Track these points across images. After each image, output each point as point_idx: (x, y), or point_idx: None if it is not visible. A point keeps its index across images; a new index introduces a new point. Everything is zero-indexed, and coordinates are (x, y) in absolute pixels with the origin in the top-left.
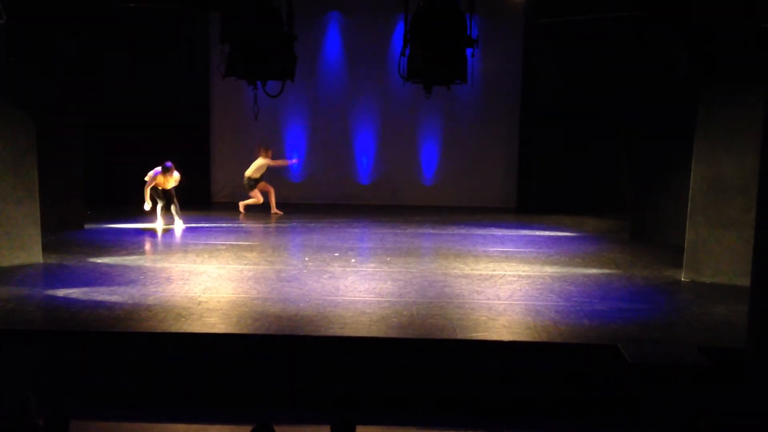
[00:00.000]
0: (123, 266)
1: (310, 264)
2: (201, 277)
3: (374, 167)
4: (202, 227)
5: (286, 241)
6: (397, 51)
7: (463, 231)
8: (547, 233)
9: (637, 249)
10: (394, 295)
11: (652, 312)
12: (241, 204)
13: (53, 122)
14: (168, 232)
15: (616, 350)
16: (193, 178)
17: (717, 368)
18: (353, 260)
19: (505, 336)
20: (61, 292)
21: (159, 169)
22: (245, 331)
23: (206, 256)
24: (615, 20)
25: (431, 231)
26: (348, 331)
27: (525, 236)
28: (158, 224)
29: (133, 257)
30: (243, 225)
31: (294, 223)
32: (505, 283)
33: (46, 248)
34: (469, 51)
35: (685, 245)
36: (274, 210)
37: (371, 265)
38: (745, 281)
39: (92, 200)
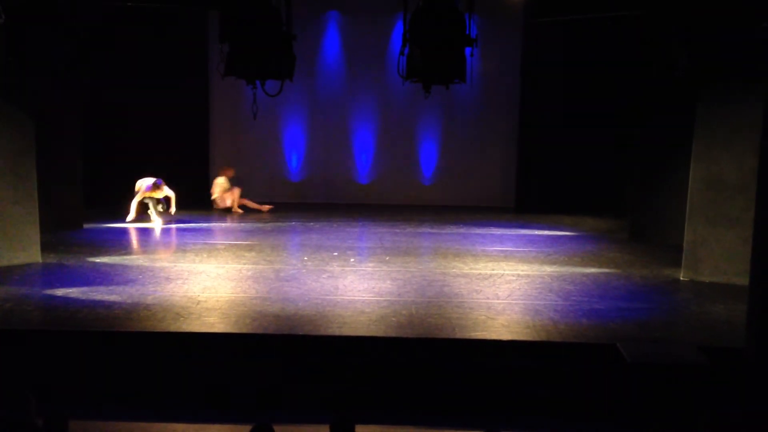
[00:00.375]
0: (122, 266)
1: (309, 263)
2: (200, 276)
3: (373, 167)
4: (201, 227)
5: (285, 241)
6: (396, 50)
7: (462, 230)
8: (546, 233)
9: (636, 248)
10: (393, 295)
11: (651, 311)
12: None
13: (52, 122)
14: (165, 230)
15: (615, 349)
16: (192, 177)
17: (716, 367)
18: (352, 260)
19: (504, 335)
20: (59, 292)
21: (150, 184)
22: (244, 330)
23: (205, 255)
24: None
25: (430, 230)
26: (347, 331)
27: (524, 235)
28: (156, 223)
29: (132, 257)
30: (242, 225)
31: (293, 223)
32: (504, 283)
33: (45, 248)
34: (468, 50)
35: (684, 244)
36: (235, 209)
37: (370, 265)
38: (744, 280)
39: (91, 200)
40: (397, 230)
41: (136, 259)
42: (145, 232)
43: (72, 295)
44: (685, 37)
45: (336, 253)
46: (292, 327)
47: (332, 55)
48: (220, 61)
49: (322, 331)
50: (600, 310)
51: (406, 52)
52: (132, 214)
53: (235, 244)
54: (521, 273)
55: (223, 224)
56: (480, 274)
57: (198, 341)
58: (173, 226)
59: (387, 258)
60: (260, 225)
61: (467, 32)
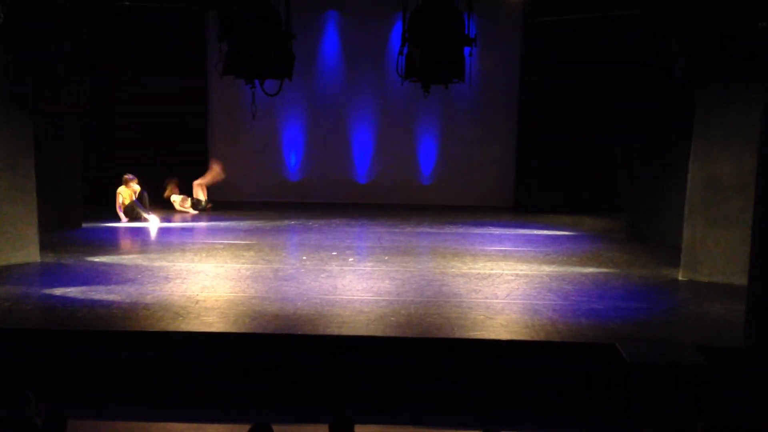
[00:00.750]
0: (121, 265)
1: (308, 263)
2: (199, 276)
3: (372, 166)
4: (199, 226)
5: (284, 240)
6: (395, 50)
7: (460, 230)
8: (544, 232)
9: (634, 248)
10: (391, 294)
11: (649, 311)
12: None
13: (51, 121)
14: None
15: (613, 349)
16: (191, 177)
17: (714, 367)
18: (351, 259)
19: (503, 335)
20: (58, 291)
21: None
22: (243, 329)
23: (204, 254)
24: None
25: (429, 230)
26: (346, 330)
27: (523, 235)
28: (153, 222)
29: (131, 256)
30: (241, 224)
31: (292, 222)
32: (503, 282)
33: (44, 247)
34: (467, 50)
35: (683, 244)
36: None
37: (369, 264)
38: (742, 280)
39: (90, 199)
40: (396, 230)
41: (134, 259)
42: (143, 232)
43: (71, 295)
44: (683, 37)
45: (335, 253)
46: (291, 326)
47: (331, 55)
48: (219, 61)
49: (321, 331)
50: (599, 309)
51: (405, 51)
52: (124, 218)
53: (234, 244)
54: (520, 273)
55: (222, 223)
56: (479, 273)
57: (197, 341)
58: (172, 225)
59: (386, 258)
60: (259, 224)
61: (466, 32)
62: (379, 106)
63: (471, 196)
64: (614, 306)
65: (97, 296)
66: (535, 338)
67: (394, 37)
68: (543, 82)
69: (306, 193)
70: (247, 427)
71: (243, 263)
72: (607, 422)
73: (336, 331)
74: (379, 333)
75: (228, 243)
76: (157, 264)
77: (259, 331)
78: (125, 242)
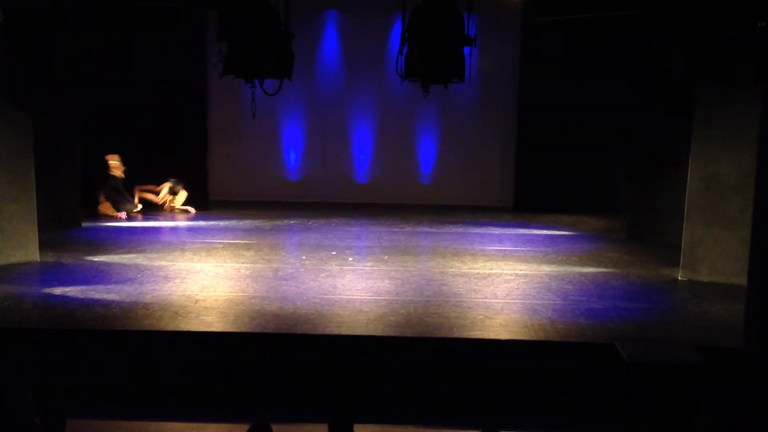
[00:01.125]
0: (120, 264)
1: (308, 262)
2: (198, 275)
3: (372, 166)
4: (199, 226)
5: (284, 240)
6: (395, 50)
7: (460, 230)
8: (544, 232)
9: (634, 248)
10: (391, 294)
11: (649, 311)
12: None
13: (51, 121)
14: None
15: (613, 349)
16: (190, 176)
17: (714, 367)
18: (351, 259)
19: (503, 335)
20: (58, 291)
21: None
22: (242, 329)
23: (204, 254)
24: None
25: (429, 229)
26: (345, 330)
27: (522, 235)
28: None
29: (131, 255)
30: (240, 223)
31: (291, 222)
32: (503, 282)
33: (43, 246)
34: (466, 50)
35: (682, 244)
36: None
37: (369, 264)
38: (742, 280)
39: (90, 199)
40: (396, 229)
41: (134, 258)
42: (142, 231)
43: (70, 294)
44: (682, 38)
45: (334, 252)
46: (291, 326)
47: (331, 54)
48: (219, 60)
49: (321, 330)
50: (598, 309)
51: (404, 51)
52: (138, 206)
53: (234, 243)
54: (519, 272)
55: (221, 223)
56: (478, 273)
57: (196, 340)
58: (172, 224)
59: (385, 257)
60: (259, 224)
61: (466, 32)
62: (379, 106)
63: (470, 196)
64: (613, 306)
65: (96, 296)
66: (535, 338)
67: (393, 36)
68: (543, 81)
69: (305, 193)
70: (246, 426)
71: (242, 263)
72: (606, 422)
73: (335, 331)
74: (378, 333)
75: (227, 242)
76: (156, 263)
77: (258, 330)
78: (125, 242)
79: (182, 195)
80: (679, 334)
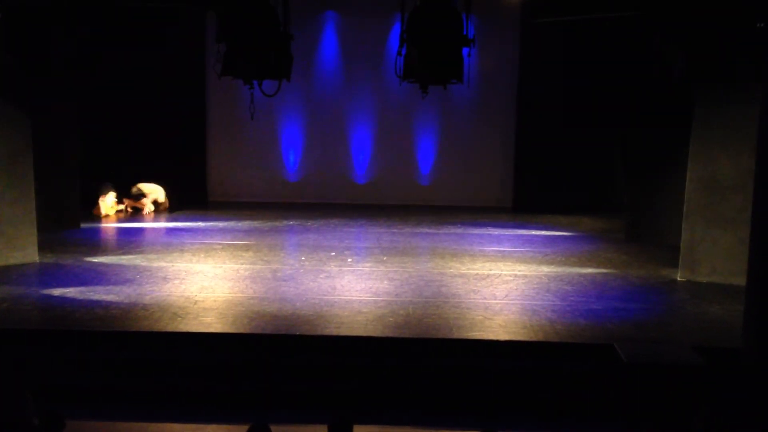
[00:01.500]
0: (119, 265)
1: (307, 263)
2: (197, 276)
3: (371, 166)
4: (198, 227)
5: (283, 241)
6: (394, 50)
7: (459, 230)
8: (543, 233)
9: (633, 248)
10: (390, 295)
11: (647, 311)
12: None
13: (49, 121)
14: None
15: (612, 350)
16: (189, 177)
17: (712, 367)
18: (350, 260)
19: (502, 335)
20: (57, 292)
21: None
22: (241, 330)
23: (203, 255)
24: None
25: (428, 230)
26: (344, 331)
27: (521, 236)
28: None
29: (130, 256)
30: (239, 224)
31: (290, 223)
32: (502, 283)
33: (42, 247)
34: (465, 50)
35: (681, 245)
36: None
37: (368, 265)
38: (740, 281)
39: (89, 199)
40: (395, 230)
41: (133, 259)
42: (141, 233)
43: (69, 295)
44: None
45: (333, 253)
46: (290, 327)
47: (330, 55)
48: (217, 61)
49: (320, 331)
50: (597, 310)
51: (403, 52)
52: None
53: (233, 244)
54: (518, 273)
55: (220, 224)
56: (477, 274)
57: (195, 341)
58: (171, 225)
59: (384, 258)
60: (258, 225)
61: (464, 32)
62: (378, 107)
63: (470, 197)
64: (612, 306)
65: (95, 297)
66: (534, 339)
67: (392, 37)
68: (541, 82)
69: (305, 194)
70: (245, 427)
71: (241, 264)
72: (605, 422)
73: (334, 332)
74: (377, 333)
75: (226, 243)
76: (155, 264)
77: (257, 331)
78: (123, 243)
79: (150, 196)
80: (678, 334)
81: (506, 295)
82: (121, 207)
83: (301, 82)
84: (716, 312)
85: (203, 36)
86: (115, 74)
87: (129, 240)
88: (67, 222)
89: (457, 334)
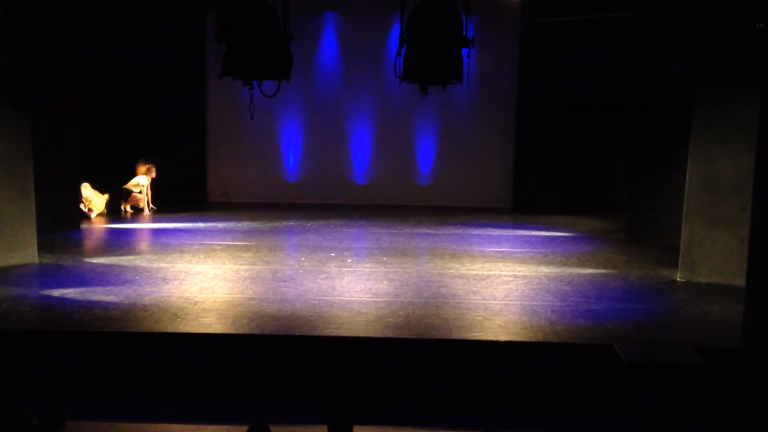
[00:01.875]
0: (119, 266)
1: (307, 264)
2: (197, 277)
3: (370, 167)
4: (198, 227)
5: (282, 241)
6: (393, 51)
7: (459, 231)
8: (543, 233)
9: (632, 249)
10: (390, 295)
11: (647, 312)
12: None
13: (49, 121)
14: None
15: (611, 350)
16: (189, 177)
17: (712, 368)
18: (349, 260)
19: (501, 336)
20: (56, 292)
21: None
22: (241, 331)
23: (202, 256)
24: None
25: (427, 231)
26: (344, 332)
27: (521, 236)
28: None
29: (129, 257)
30: (239, 225)
31: (290, 223)
32: (501, 283)
33: (42, 248)
34: (465, 51)
35: (681, 245)
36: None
37: (367, 265)
38: (740, 281)
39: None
40: (395, 231)
41: (133, 260)
42: (141, 233)
43: (69, 296)
44: (681, 38)
45: (333, 254)
46: (290, 328)
47: (329, 56)
48: (217, 61)
49: (320, 332)
50: (597, 310)
51: (403, 52)
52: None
53: (233, 245)
54: (518, 274)
55: (220, 224)
56: (477, 274)
57: (195, 342)
58: (170, 225)
59: (384, 259)
60: (258, 225)
61: (464, 33)
62: (378, 107)
63: (469, 197)
64: (612, 307)
65: (95, 297)
66: (534, 339)
67: (392, 38)
68: (541, 82)
69: (304, 194)
70: (245, 428)
71: (241, 264)
72: (605, 423)
73: (334, 333)
74: (377, 334)
75: (226, 244)
76: (155, 265)
77: (257, 332)
78: (123, 243)
79: (138, 192)
80: (678, 334)
81: (506, 296)
82: (105, 197)
83: (301, 82)
84: (716, 312)
85: (203, 36)
86: (115, 74)
87: (128, 240)
88: (66, 222)
89: (456, 335)
